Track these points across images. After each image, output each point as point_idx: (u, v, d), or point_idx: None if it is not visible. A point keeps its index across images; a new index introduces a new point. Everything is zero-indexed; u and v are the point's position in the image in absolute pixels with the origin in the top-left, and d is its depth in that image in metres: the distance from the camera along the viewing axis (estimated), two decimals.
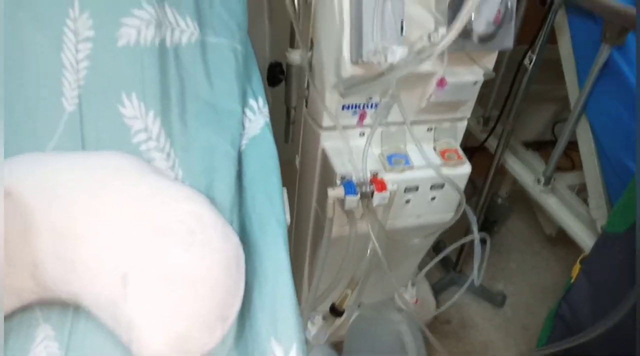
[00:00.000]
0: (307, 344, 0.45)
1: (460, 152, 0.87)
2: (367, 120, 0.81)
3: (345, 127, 0.82)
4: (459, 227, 0.89)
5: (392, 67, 0.67)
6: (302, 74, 0.79)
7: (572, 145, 1.06)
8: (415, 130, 0.84)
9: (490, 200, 1.36)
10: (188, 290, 0.35)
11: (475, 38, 0.69)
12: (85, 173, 0.36)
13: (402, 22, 0.65)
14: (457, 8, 0.67)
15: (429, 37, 0.69)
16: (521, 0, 1.08)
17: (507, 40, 0.71)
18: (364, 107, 0.80)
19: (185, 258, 0.34)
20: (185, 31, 0.47)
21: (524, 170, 1.17)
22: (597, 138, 0.99)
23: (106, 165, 0.37)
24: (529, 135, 1.62)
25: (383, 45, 0.65)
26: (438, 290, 1.37)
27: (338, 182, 0.78)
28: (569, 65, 1.03)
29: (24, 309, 0.38)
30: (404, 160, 0.82)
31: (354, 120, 0.81)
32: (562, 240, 1.42)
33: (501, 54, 0.81)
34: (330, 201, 0.76)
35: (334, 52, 0.71)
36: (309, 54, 0.78)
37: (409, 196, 0.85)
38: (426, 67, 0.73)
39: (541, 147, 1.60)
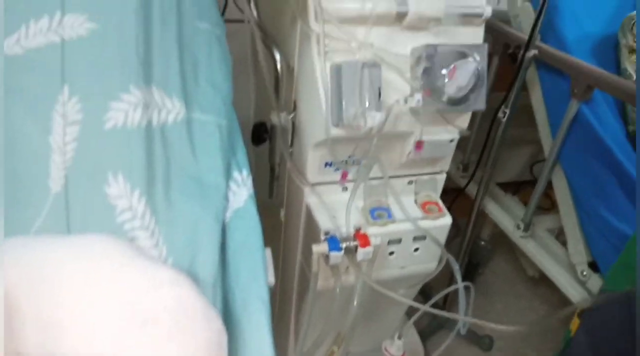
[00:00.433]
0: None
1: (441, 203, 0.89)
2: (349, 177, 0.84)
3: (328, 183, 0.84)
4: (445, 269, 0.90)
5: (371, 130, 0.70)
6: (286, 134, 0.81)
7: (551, 185, 1.09)
8: (396, 183, 0.87)
9: (473, 243, 1.38)
10: None
11: (448, 101, 0.72)
12: (71, 260, 0.37)
13: (379, 89, 0.69)
14: (430, 74, 0.72)
15: (405, 100, 0.73)
16: (493, 58, 1.14)
17: (480, 102, 0.75)
18: (346, 164, 0.82)
19: (170, 348, 0.35)
20: (171, 111, 0.49)
21: (504, 215, 1.20)
22: (572, 187, 1.02)
23: (91, 250, 0.38)
24: (507, 176, 1.66)
25: (362, 110, 0.68)
26: (426, 335, 1.37)
27: (322, 237, 0.79)
28: (541, 116, 1.08)
29: None
30: (387, 214, 0.84)
31: (337, 176, 0.83)
32: (545, 281, 1.43)
33: None
34: (315, 256, 0.78)
35: (316, 114, 0.74)
36: (292, 114, 0.81)
37: (393, 248, 0.86)
38: (403, 127, 0.77)
39: (520, 187, 1.65)
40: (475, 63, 0.71)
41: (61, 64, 0.45)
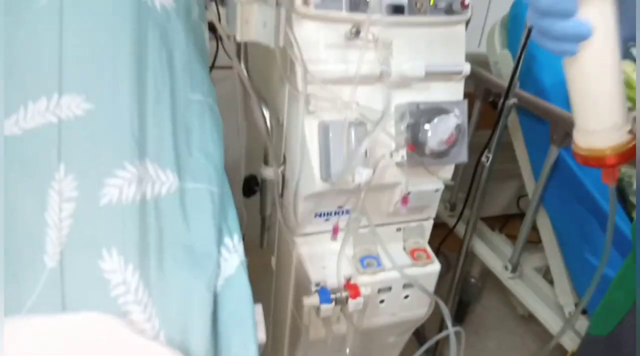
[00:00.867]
0: None
1: (429, 250, 0.91)
2: (340, 225, 0.85)
3: (318, 233, 0.86)
4: (438, 308, 0.91)
5: (359, 186, 0.72)
6: (276, 186, 0.83)
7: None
8: (384, 231, 0.89)
9: (464, 281, 1.39)
10: None
11: (431, 155, 0.75)
12: (65, 345, 0.38)
13: (365, 146, 0.71)
14: (414, 129, 0.75)
15: (391, 155, 0.76)
16: (475, 101, 1.19)
17: (462, 155, 0.78)
18: (335, 214, 0.84)
19: None
20: (165, 183, 0.51)
21: (492, 256, 1.22)
22: (556, 229, 1.05)
23: (84, 329, 0.39)
24: (495, 209, 1.69)
25: (350, 166, 0.71)
26: None
27: (313, 288, 0.80)
28: (524, 159, 1.11)
29: None
30: (376, 262, 0.86)
31: (327, 226, 0.85)
32: (535, 317, 1.44)
33: None
34: (306, 309, 0.78)
35: (305, 168, 0.76)
36: (282, 167, 0.83)
37: (383, 296, 0.87)
38: (390, 179, 0.79)
39: (507, 221, 1.67)
40: (455, 118, 0.74)
41: (58, 143, 0.47)
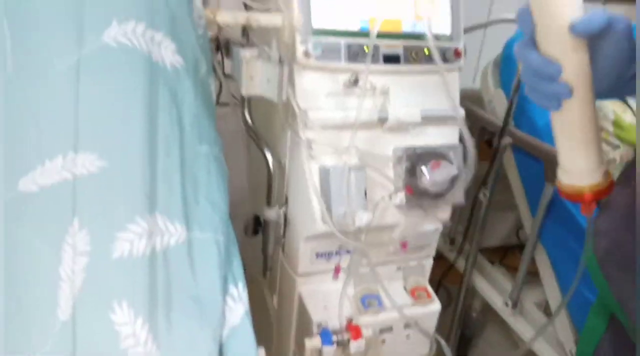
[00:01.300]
0: None
1: (429, 289, 0.92)
2: (342, 267, 0.87)
3: (319, 273, 0.87)
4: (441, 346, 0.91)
5: (359, 229, 0.74)
6: (279, 226, 0.85)
7: None
8: (385, 270, 0.90)
9: (465, 315, 1.39)
10: None
11: (429, 197, 0.77)
12: None
13: (364, 189, 0.74)
14: (411, 172, 0.77)
15: (390, 197, 0.78)
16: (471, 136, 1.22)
17: (458, 196, 0.80)
18: (336, 254, 0.86)
19: None
20: (173, 235, 0.53)
21: (492, 291, 1.23)
22: (554, 265, 1.06)
23: None
24: (494, 241, 1.69)
25: (350, 209, 0.73)
26: None
27: (315, 329, 0.81)
28: (520, 197, 1.13)
29: None
30: (377, 301, 0.87)
31: (328, 266, 0.86)
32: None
33: None
34: (307, 352, 0.79)
35: (307, 210, 0.78)
36: (284, 208, 0.85)
37: (385, 336, 0.88)
38: (389, 220, 0.81)
39: (507, 252, 1.68)
40: (451, 162, 0.77)
41: (72, 198, 0.49)
